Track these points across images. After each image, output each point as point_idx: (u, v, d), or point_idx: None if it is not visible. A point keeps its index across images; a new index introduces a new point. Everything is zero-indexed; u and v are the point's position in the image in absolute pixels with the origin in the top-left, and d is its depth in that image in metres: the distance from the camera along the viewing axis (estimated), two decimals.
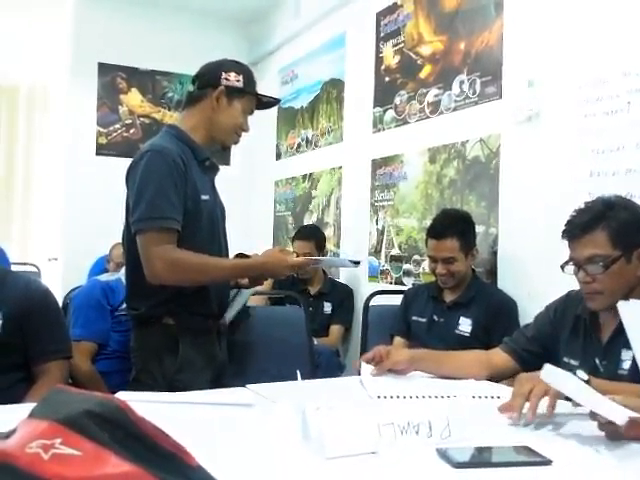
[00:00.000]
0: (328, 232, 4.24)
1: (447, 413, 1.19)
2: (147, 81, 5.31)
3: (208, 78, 2.09)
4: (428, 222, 2.97)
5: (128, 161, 2.02)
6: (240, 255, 2.26)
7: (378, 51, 3.89)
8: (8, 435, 0.70)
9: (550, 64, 2.66)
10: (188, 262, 1.93)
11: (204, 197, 2.01)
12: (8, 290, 1.97)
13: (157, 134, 2.11)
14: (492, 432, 1.28)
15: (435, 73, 3.38)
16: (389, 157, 3.72)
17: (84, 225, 4.85)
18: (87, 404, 0.71)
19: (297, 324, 2.78)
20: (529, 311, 2.43)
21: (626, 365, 1.62)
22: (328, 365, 3.30)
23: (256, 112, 2.20)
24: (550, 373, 1.28)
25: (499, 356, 1.88)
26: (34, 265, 5.31)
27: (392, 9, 3.76)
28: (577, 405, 1.26)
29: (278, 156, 5.19)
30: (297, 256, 2.26)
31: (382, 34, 3.85)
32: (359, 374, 1.81)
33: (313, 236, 3.84)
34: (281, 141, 5.14)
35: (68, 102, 5.21)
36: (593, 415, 1.19)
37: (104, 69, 5.14)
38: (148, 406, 1.00)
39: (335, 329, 3.75)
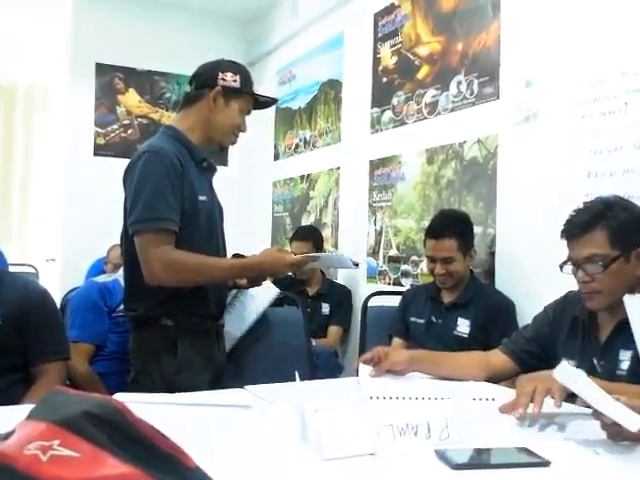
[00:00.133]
0: (326, 233, 4.24)
1: (446, 414, 1.19)
2: (145, 81, 5.31)
3: (205, 78, 2.09)
4: (426, 223, 2.97)
5: (126, 161, 2.01)
6: (236, 256, 2.26)
7: (376, 52, 3.89)
8: (6, 436, 0.70)
9: (547, 64, 2.66)
10: (186, 263, 1.93)
11: (201, 198, 2.01)
12: (6, 291, 1.97)
13: (155, 135, 2.11)
14: (491, 433, 1.28)
15: (433, 74, 3.39)
16: (387, 158, 3.72)
17: (82, 226, 4.85)
18: (85, 405, 0.71)
19: (295, 325, 2.78)
20: (527, 312, 2.43)
21: (624, 365, 1.63)
22: (326, 366, 3.30)
23: (254, 112, 2.20)
24: (563, 371, 1.27)
25: (498, 357, 1.88)
26: (32, 266, 5.30)
27: (390, 10, 3.77)
28: (585, 405, 1.26)
29: (276, 157, 5.19)
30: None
31: (380, 35, 3.85)
32: (358, 375, 1.81)
33: (311, 237, 3.84)
34: (279, 142, 5.14)
35: (66, 102, 5.21)
36: (597, 414, 1.19)
37: (102, 69, 5.14)
38: (146, 407, 1.00)
39: (333, 330, 3.75)
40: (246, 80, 2.11)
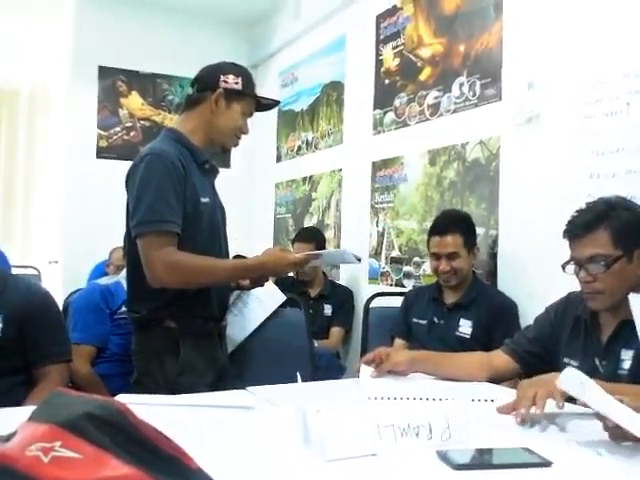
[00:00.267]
0: (328, 234, 4.24)
1: (447, 415, 1.19)
2: (147, 84, 5.31)
3: (207, 81, 2.09)
4: (428, 224, 2.97)
5: (128, 164, 2.02)
6: (238, 257, 2.25)
7: (378, 53, 3.89)
8: (8, 438, 0.70)
9: (550, 66, 2.66)
10: (188, 264, 1.93)
11: (204, 200, 2.01)
12: (9, 293, 1.97)
13: (157, 137, 2.11)
14: (492, 434, 1.28)
15: (435, 75, 3.39)
16: (389, 159, 3.72)
17: (84, 228, 4.86)
18: (87, 407, 0.71)
19: (297, 326, 2.78)
20: (529, 312, 2.43)
21: (626, 365, 1.63)
22: (328, 367, 3.30)
23: (256, 115, 2.20)
24: (567, 378, 1.25)
25: (500, 358, 1.88)
26: (35, 268, 5.31)
27: (392, 12, 3.77)
28: (586, 405, 1.25)
29: (278, 158, 5.19)
30: None
31: (382, 37, 3.86)
32: (359, 376, 1.81)
33: (313, 238, 3.84)
34: (281, 144, 5.14)
35: (69, 105, 5.22)
36: (601, 417, 1.19)
37: (104, 72, 5.15)
38: (148, 409, 1.00)
39: (335, 331, 3.75)
40: (248, 82, 2.12)
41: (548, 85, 2.66)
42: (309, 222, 4.60)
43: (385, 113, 3.78)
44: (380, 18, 3.88)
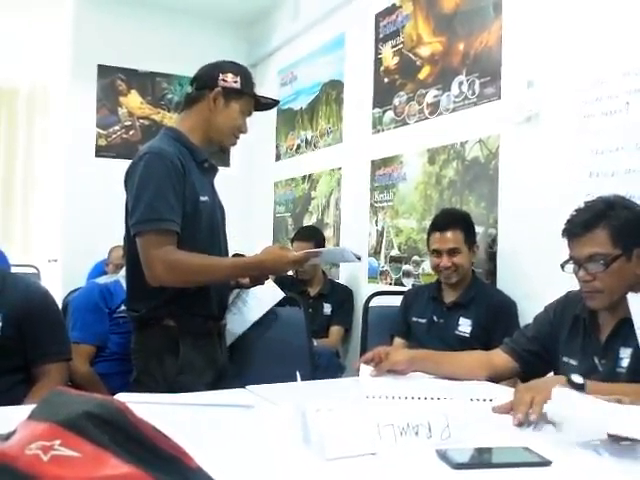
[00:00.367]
0: (328, 233, 4.24)
1: (447, 414, 1.19)
2: (147, 83, 5.31)
3: (205, 79, 2.09)
4: (427, 223, 2.97)
5: (128, 163, 2.02)
6: (237, 256, 2.25)
7: (377, 52, 3.89)
8: (8, 437, 0.70)
9: (549, 65, 2.66)
10: (187, 263, 1.93)
11: (203, 198, 2.01)
12: (8, 292, 1.97)
13: (156, 136, 2.11)
14: (492, 433, 1.28)
15: (434, 74, 3.39)
16: (388, 158, 3.72)
17: (84, 226, 4.86)
18: (87, 406, 0.71)
19: (297, 325, 2.78)
20: (529, 311, 2.43)
21: (624, 363, 1.63)
22: (328, 366, 3.30)
23: (255, 113, 2.20)
24: (557, 401, 1.23)
25: (499, 357, 1.88)
26: (34, 266, 5.32)
27: (391, 10, 3.77)
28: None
29: (278, 157, 5.19)
30: None
31: (381, 35, 3.85)
32: (359, 375, 1.81)
33: (313, 237, 3.84)
34: (280, 142, 5.14)
35: (68, 104, 5.22)
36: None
37: (104, 71, 5.15)
38: (147, 408, 1.00)
39: (335, 330, 3.75)
40: (247, 81, 2.11)
41: (547, 84, 2.66)
42: (308, 221, 4.60)
43: (384, 112, 3.78)
44: (379, 17, 3.88)
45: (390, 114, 3.73)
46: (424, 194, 3.42)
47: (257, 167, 5.52)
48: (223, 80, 2.06)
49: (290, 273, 3.65)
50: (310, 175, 4.64)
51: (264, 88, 4.81)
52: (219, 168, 2.21)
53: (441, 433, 1.17)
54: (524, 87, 2.75)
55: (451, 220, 2.74)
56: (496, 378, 1.84)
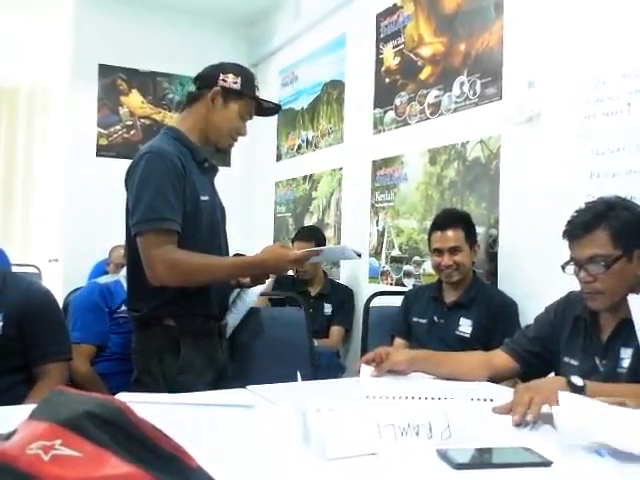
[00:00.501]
0: (328, 233, 4.24)
1: (447, 414, 1.19)
2: (148, 82, 5.31)
3: (206, 79, 2.09)
4: (428, 223, 2.97)
5: (128, 162, 2.02)
6: (237, 256, 2.25)
7: (378, 52, 3.89)
8: (8, 436, 0.70)
9: (550, 65, 2.66)
10: (188, 263, 1.92)
11: (203, 198, 2.01)
12: (9, 292, 1.97)
13: (156, 136, 2.11)
14: (492, 433, 1.28)
15: (435, 74, 3.39)
16: (389, 158, 3.72)
17: (84, 226, 4.86)
18: (87, 405, 0.71)
19: (297, 325, 2.78)
20: (529, 312, 2.43)
21: (625, 363, 1.63)
22: (328, 366, 3.30)
23: None
24: (564, 409, 1.20)
25: (500, 357, 1.88)
26: (35, 266, 5.32)
27: (392, 10, 3.77)
28: None
29: (278, 157, 5.19)
30: None
31: (382, 35, 3.85)
32: (359, 375, 1.81)
33: (313, 237, 3.84)
34: (281, 142, 5.14)
35: (68, 103, 5.22)
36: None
37: (105, 70, 5.15)
38: (148, 407, 1.00)
39: (335, 330, 3.75)
40: (247, 83, 2.10)
41: (549, 84, 2.66)
42: (309, 221, 4.60)
43: (385, 112, 3.78)
44: (380, 17, 3.88)
45: (391, 114, 3.73)
46: (425, 194, 3.42)
47: (258, 167, 5.52)
48: (223, 80, 2.06)
49: (290, 273, 3.65)
50: (311, 175, 4.64)
51: (265, 88, 4.80)
52: (220, 168, 2.21)
53: (441, 433, 1.17)
54: (525, 87, 2.76)
55: (452, 219, 2.75)
56: (496, 378, 1.84)
